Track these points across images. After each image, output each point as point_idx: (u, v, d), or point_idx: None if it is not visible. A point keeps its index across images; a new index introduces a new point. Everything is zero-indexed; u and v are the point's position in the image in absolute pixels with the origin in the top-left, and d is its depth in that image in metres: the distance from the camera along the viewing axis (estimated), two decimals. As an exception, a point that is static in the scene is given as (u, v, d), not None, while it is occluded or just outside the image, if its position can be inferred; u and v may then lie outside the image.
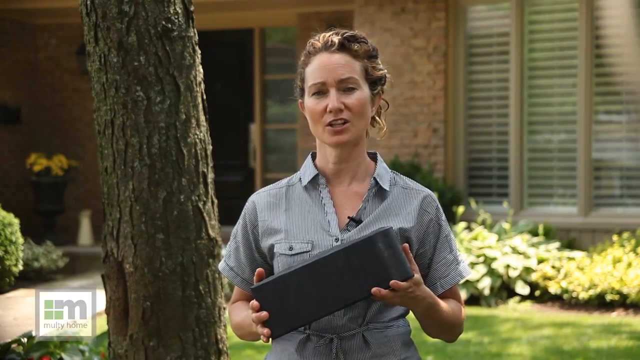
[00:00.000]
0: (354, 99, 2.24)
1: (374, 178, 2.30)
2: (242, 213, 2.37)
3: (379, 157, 2.37)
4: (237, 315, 2.36)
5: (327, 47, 2.26)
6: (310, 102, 2.27)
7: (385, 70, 2.32)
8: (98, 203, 10.80)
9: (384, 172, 2.33)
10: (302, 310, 2.12)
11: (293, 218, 2.29)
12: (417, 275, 2.14)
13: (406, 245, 2.15)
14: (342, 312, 2.23)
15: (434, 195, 2.34)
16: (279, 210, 2.32)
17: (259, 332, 2.15)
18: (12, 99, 11.63)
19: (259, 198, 2.35)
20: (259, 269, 2.18)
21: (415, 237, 2.28)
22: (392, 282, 2.09)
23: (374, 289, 2.08)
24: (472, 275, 8.09)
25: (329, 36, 2.27)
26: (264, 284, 2.13)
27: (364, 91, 2.26)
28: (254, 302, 2.14)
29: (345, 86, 2.24)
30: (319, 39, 2.28)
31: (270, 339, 2.17)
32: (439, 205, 2.34)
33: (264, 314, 2.12)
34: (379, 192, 2.30)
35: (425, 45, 9.82)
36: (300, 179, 2.35)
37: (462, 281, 2.33)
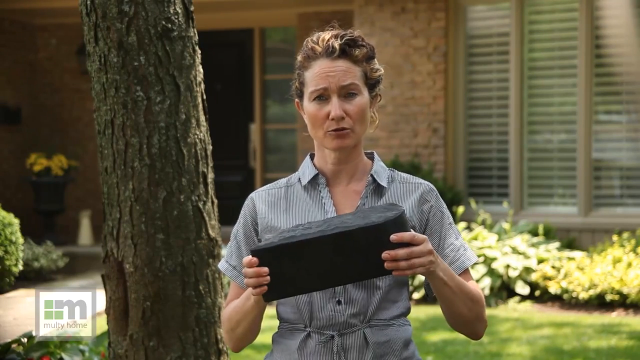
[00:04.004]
0: (355, 105, 2.25)
1: (371, 175, 2.32)
2: (242, 212, 2.36)
3: (376, 156, 2.38)
4: (231, 306, 2.31)
5: (328, 53, 2.26)
6: (311, 108, 2.27)
7: (382, 70, 2.33)
8: (98, 203, 10.80)
9: (381, 170, 2.34)
10: (298, 281, 2.09)
11: (293, 217, 2.29)
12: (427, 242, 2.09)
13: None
14: (344, 309, 2.22)
15: (433, 187, 2.35)
16: (278, 209, 2.32)
17: (251, 292, 2.12)
18: (12, 99, 11.63)
19: (258, 196, 2.36)
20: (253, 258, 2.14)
21: (419, 227, 2.29)
22: (392, 236, 2.04)
23: (384, 254, 2.03)
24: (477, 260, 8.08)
25: (329, 40, 2.26)
26: (265, 248, 2.09)
27: (364, 96, 2.27)
28: (252, 259, 2.09)
29: (347, 92, 2.25)
30: (317, 42, 2.28)
31: (272, 339, 2.15)
32: (439, 196, 2.34)
33: (265, 269, 2.07)
34: (377, 189, 2.31)
35: (425, 45, 9.82)
36: (299, 179, 2.35)
37: (470, 265, 2.32)
